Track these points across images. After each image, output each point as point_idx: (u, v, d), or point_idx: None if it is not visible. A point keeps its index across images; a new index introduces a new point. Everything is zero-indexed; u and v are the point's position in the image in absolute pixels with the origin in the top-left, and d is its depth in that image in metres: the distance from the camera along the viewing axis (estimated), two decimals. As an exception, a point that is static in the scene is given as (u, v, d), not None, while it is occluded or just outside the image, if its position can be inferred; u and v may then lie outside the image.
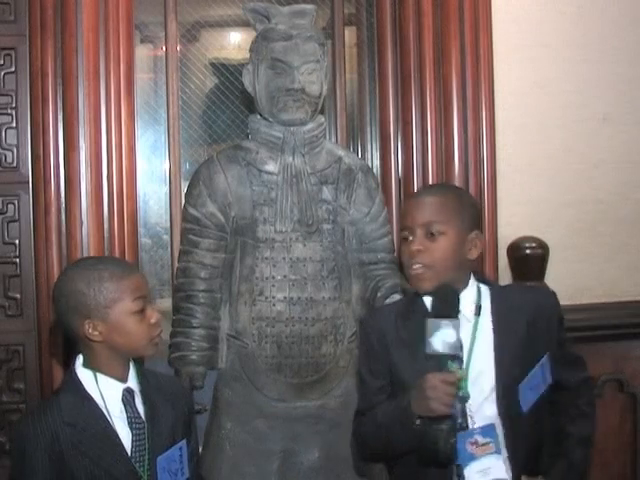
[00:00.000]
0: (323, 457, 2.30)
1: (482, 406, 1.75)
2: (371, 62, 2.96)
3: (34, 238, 2.52)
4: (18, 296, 2.54)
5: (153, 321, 1.73)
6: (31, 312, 2.53)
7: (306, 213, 2.30)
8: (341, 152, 2.44)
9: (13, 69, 2.52)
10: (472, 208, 1.84)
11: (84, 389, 1.70)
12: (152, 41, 3.06)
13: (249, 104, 2.63)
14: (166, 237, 2.92)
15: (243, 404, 2.29)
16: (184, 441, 1.80)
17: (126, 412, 1.71)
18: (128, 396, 1.73)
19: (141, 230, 2.79)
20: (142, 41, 3.03)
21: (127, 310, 1.69)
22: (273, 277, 2.27)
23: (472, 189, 2.74)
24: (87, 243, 2.51)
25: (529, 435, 1.80)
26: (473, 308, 1.78)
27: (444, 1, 2.74)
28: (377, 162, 2.93)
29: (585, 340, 2.63)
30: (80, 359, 1.75)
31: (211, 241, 2.31)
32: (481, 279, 1.86)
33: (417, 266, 1.76)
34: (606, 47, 2.88)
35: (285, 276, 2.27)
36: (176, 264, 2.42)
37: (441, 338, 1.63)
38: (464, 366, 1.71)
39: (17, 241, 2.53)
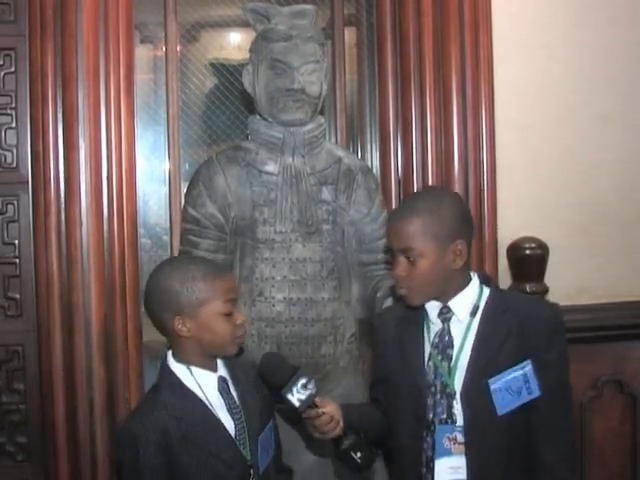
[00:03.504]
0: (323, 457, 2.30)
1: None
2: (371, 62, 2.95)
3: (34, 238, 2.51)
4: (18, 296, 2.54)
5: (239, 322, 1.79)
6: (31, 312, 2.53)
7: (306, 214, 2.30)
8: (341, 153, 2.44)
9: (13, 69, 2.52)
10: (452, 218, 1.78)
11: (182, 383, 1.76)
12: (152, 41, 3.06)
13: (249, 104, 2.63)
14: (166, 237, 2.92)
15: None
16: (272, 421, 1.90)
17: (224, 399, 1.79)
18: (223, 384, 1.80)
19: (141, 230, 2.78)
20: (142, 41, 3.03)
21: (217, 311, 1.76)
22: (273, 278, 2.27)
23: (472, 189, 2.73)
24: (87, 243, 2.51)
25: (498, 453, 1.75)
26: (470, 308, 1.81)
27: (444, 1, 2.73)
28: (377, 162, 2.93)
29: (585, 341, 2.63)
30: (170, 354, 1.81)
31: (211, 242, 2.32)
32: (486, 281, 1.86)
33: (402, 289, 1.82)
34: (606, 47, 2.87)
35: (285, 277, 2.27)
36: (176, 264, 2.42)
37: (296, 397, 1.77)
38: (452, 364, 1.78)
39: (17, 241, 2.53)
